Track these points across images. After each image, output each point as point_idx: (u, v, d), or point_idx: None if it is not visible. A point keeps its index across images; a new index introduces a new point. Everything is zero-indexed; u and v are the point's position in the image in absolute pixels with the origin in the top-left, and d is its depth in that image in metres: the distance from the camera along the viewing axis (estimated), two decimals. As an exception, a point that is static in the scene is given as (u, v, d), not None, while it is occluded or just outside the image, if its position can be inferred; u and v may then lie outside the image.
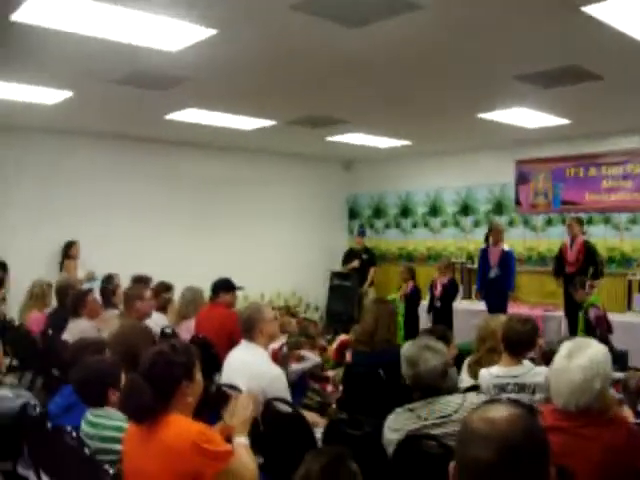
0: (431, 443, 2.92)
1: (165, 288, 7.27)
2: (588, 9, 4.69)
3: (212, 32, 5.28)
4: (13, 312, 8.00)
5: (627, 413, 3.72)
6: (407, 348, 3.27)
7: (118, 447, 2.99)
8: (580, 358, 2.74)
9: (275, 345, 6.41)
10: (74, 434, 3.12)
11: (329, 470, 2.25)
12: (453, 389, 3.83)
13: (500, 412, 1.63)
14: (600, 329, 7.72)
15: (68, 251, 9.73)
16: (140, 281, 7.23)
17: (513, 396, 3.89)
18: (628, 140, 9.97)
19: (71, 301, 6.11)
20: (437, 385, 3.12)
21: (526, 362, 4.15)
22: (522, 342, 4.09)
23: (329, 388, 5.37)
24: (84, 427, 3.24)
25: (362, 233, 12.98)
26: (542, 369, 3.96)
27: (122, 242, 10.17)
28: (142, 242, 10.49)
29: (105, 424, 3.21)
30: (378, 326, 5.12)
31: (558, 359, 2.80)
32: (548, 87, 7.05)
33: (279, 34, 5.43)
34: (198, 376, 2.87)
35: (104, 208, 10.36)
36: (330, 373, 5.73)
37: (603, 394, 2.75)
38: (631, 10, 4.76)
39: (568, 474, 2.37)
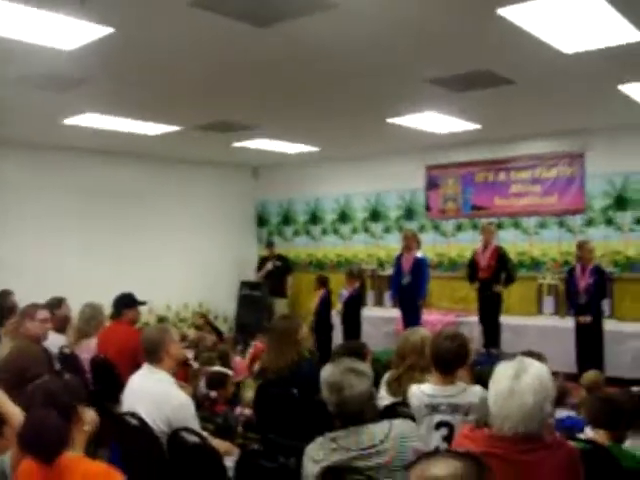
0: (356, 477, 2.66)
1: (56, 304, 6.66)
2: (504, 11, 4.57)
3: (109, 30, 4.90)
4: None
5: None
6: (329, 372, 2.91)
7: None
8: (528, 378, 2.52)
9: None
10: None
11: None
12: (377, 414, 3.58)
13: (445, 469, 1.37)
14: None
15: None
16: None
17: (446, 417, 3.65)
18: (536, 145, 10.06)
19: None
20: (364, 412, 2.84)
21: (459, 381, 3.88)
22: (453, 359, 3.81)
23: (238, 409, 5.07)
24: None
25: (270, 244, 12.74)
26: (477, 388, 3.73)
27: (19, 257, 9.54)
28: (42, 256, 9.90)
29: None
30: (283, 351, 4.84)
31: (503, 380, 2.56)
32: (460, 91, 6.95)
33: (178, 33, 5.09)
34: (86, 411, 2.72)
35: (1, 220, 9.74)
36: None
37: (548, 417, 2.56)
38: (545, 14, 4.67)
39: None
